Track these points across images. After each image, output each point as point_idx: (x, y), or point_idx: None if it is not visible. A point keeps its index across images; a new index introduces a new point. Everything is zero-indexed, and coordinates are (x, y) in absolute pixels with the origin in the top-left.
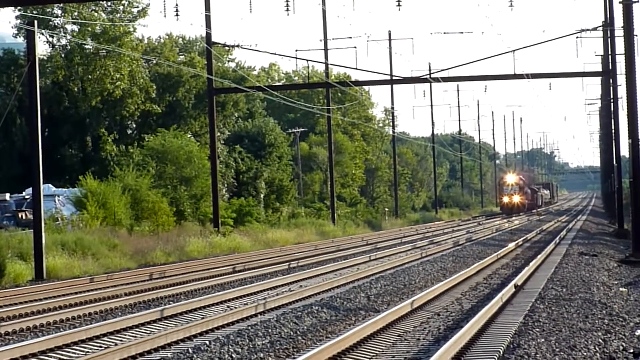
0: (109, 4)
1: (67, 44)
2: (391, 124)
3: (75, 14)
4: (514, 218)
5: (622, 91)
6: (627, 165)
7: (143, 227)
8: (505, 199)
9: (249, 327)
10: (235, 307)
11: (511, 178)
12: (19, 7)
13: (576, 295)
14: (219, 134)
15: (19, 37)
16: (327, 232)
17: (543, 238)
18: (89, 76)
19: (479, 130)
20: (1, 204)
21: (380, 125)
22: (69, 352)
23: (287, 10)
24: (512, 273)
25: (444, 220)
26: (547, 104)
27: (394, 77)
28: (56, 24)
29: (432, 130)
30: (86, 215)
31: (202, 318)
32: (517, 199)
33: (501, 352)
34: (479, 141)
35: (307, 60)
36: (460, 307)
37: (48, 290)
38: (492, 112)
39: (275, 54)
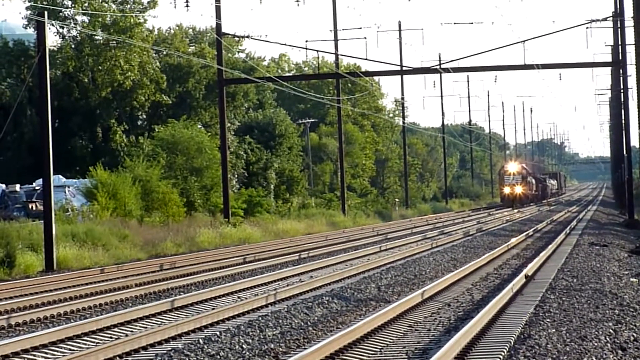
0: None
1: (78, 35)
2: (401, 114)
3: (86, 4)
4: (524, 208)
5: (632, 81)
6: (637, 156)
7: (153, 218)
8: (506, 190)
9: (260, 318)
10: (246, 298)
11: (513, 167)
12: None
13: (587, 285)
14: (229, 124)
15: (29, 28)
16: (337, 223)
17: (553, 228)
18: (99, 67)
19: (489, 121)
20: (11, 195)
21: (391, 115)
22: (79, 342)
23: (297, 0)
24: (523, 263)
25: (454, 211)
26: (557, 95)
27: (404, 68)
28: (66, 15)
29: (442, 121)
30: (96, 206)
31: (213, 309)
32: (519, 189)
33: (512, 343)
34: (489, 131)
35: (317, 51)
36: (471, 297)
37: (58, 281)
38: (502, 103)
39: (285, 44)
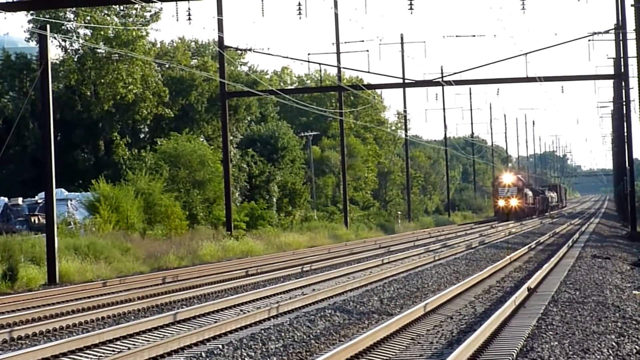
0: (122, 7)
1: (80, 48)
2: (404, 127)
3: (88, 18)
4: (527, 221)
5: (634, 94)
6: (639, 168)
7: (156, 231)
8: (501, 203)
9: (262, 331)
10: (249, 311)
11: (508, 178)
12: (31, 12)
13: (589, 298)
14: (231, 137)
15: (32, 41)
16: (339, 236)
17: (556, 241)
18: (102, 80)
19: (492, 133)
20: (14, 208)
21: (393, 128)
22: (81, 356)
23: (300, 13)
24: (525, 276)
25: (457, 224)
26: (560, 107)
27: (406, 81)
28: (69, 28)
29: (445, 134)
30: (99, 219)
31: (215, 322)
32: (514, 202)
33: (514, 356)
34: (492, 144)
35: (320, 64)
36: (474, 310)
37: (61, 295)
38: (505, 115)
39: (287, 57)
